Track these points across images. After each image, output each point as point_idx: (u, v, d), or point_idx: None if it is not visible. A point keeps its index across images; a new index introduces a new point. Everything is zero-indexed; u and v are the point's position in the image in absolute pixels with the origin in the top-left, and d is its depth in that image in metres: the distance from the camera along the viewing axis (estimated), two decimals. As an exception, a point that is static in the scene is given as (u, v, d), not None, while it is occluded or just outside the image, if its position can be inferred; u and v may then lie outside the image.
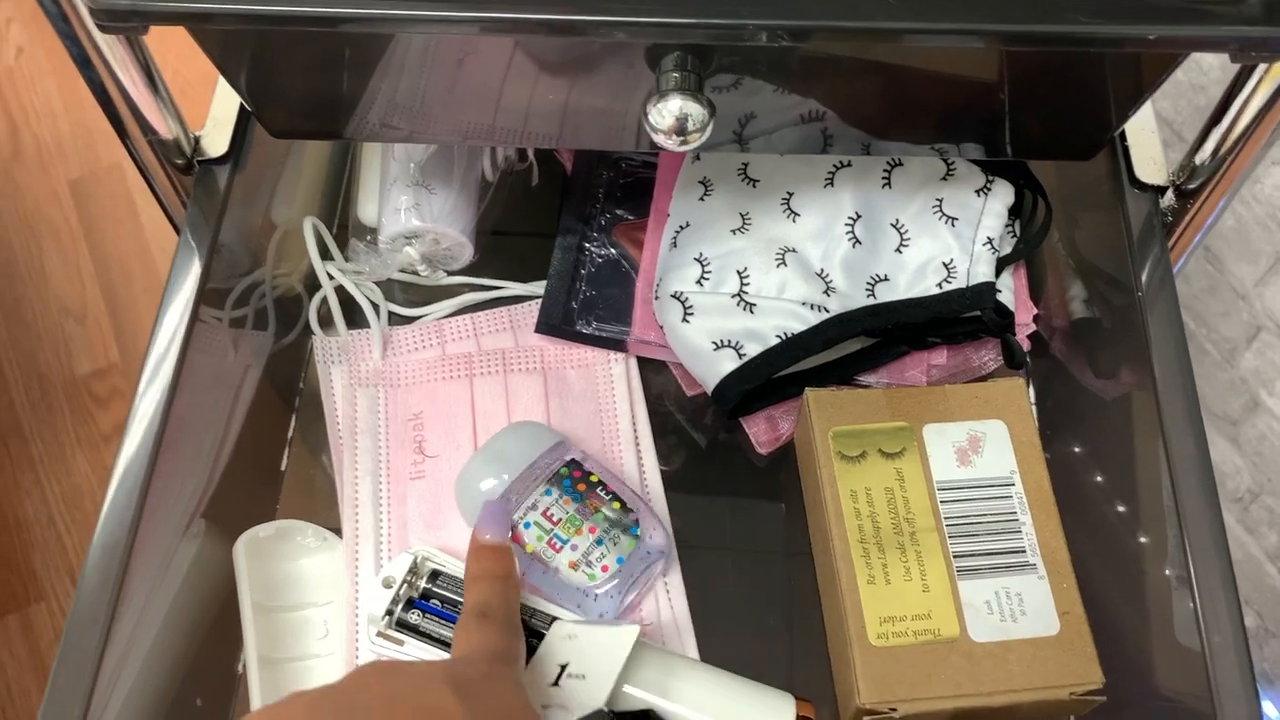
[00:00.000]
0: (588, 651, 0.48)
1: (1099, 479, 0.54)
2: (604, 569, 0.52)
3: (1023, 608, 0.50)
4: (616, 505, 0.54)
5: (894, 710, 0.48)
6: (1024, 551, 0.51)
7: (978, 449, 0.53)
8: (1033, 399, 0.60)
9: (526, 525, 0.53)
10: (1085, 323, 0.59)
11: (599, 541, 0.53)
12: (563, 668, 0.47)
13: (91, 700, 0.45)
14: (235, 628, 0.54)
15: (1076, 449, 0.56)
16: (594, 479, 0.54)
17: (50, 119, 1.49)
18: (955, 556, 0.51)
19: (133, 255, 1.40)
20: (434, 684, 0.37)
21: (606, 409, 0.60)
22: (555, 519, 0.53)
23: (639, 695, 0.48)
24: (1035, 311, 0.58)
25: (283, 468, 0.60)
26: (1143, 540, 0.50)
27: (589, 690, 0.46)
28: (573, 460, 0.55)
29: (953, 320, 0.58)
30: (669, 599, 0.55)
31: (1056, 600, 0.50)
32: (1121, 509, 0.52)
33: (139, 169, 0.54)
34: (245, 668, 0.53)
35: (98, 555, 0.47)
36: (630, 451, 0.59)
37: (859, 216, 0.57)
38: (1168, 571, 0.48)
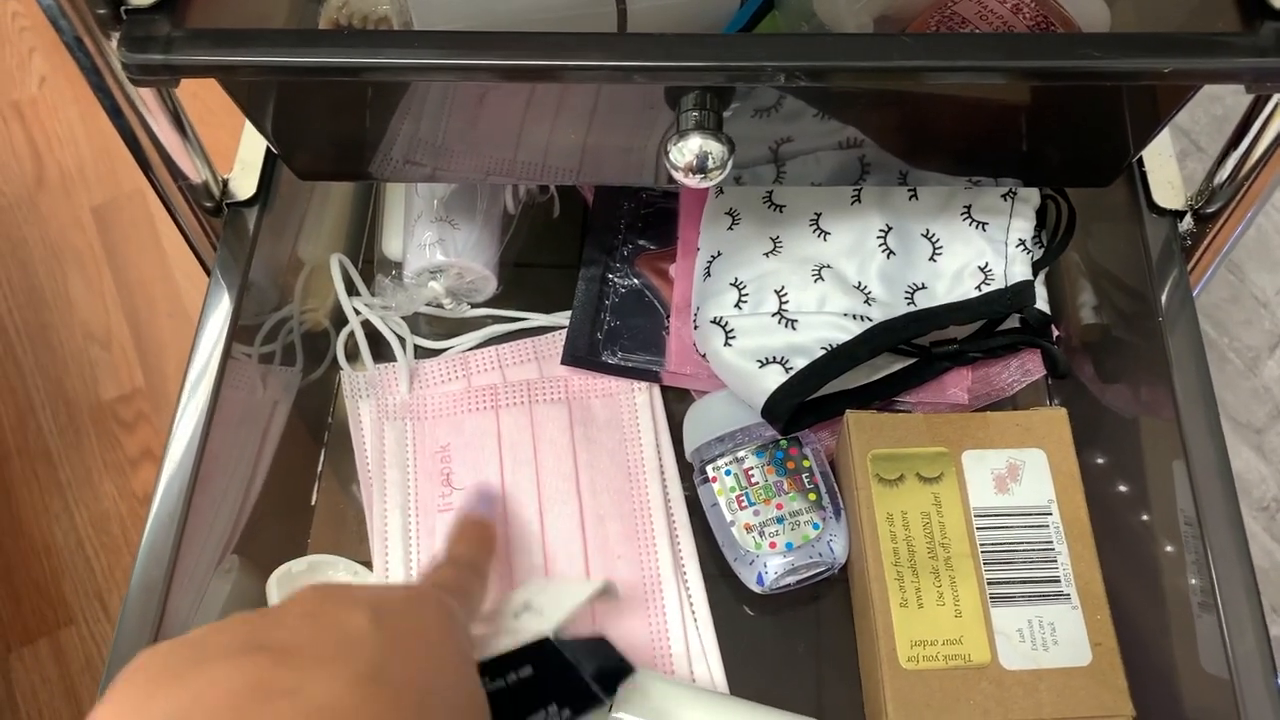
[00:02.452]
0: (552, 593, 0.49)
1: (1122, 503, 0.55)
2: (771, 545, 0.54)
3: (1055, 637, 0.50)
4: (812, 497, 0.55)
5: (923, 737, 0.49)
6: (1058, 581, 0.52)
7: (1016, 477, 0.54)
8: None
9: (726, 473, 0.56)
10: (1105, 344, 0.59)
11: (779, 520, 0.55)
12: (526, 604, 0.48)
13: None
14: (270, 663, 0.54)
15: (1100, 469, 0.56)
16: (806, 464, 0.56)
17: (73, 146, 1.51)
18: (989, 583, 0.52)
19: (156, 280, 1.42)
20: (358, 606, 0.37)
21: (631, 438, 0.61)
22: (753, 480, 0.55)
23: None
24: (1057, 333, 0.59)
25: (313, 502, 0.61)
26: (1164, 563, 0.50)
27: (540, 623, 0.47)
28: (799, 441, 0.57)
29: (992, 331, 0.58)
30: (696, 625, 0.56)
31: (1090, 631, 0.50)
32: (1143, 533, 0.53)
33: (169, 212, 0.55)
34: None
35: (136, 594, 0.48)
36: (655, 480, 0.59)
37: (890, 229, 0.57)
38: (1193, 598, 0.48)
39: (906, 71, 0.42)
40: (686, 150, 0.46)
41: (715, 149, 0.46)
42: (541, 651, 0.46)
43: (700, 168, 0.46)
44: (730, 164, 0.46)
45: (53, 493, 1.28)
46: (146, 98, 0.49)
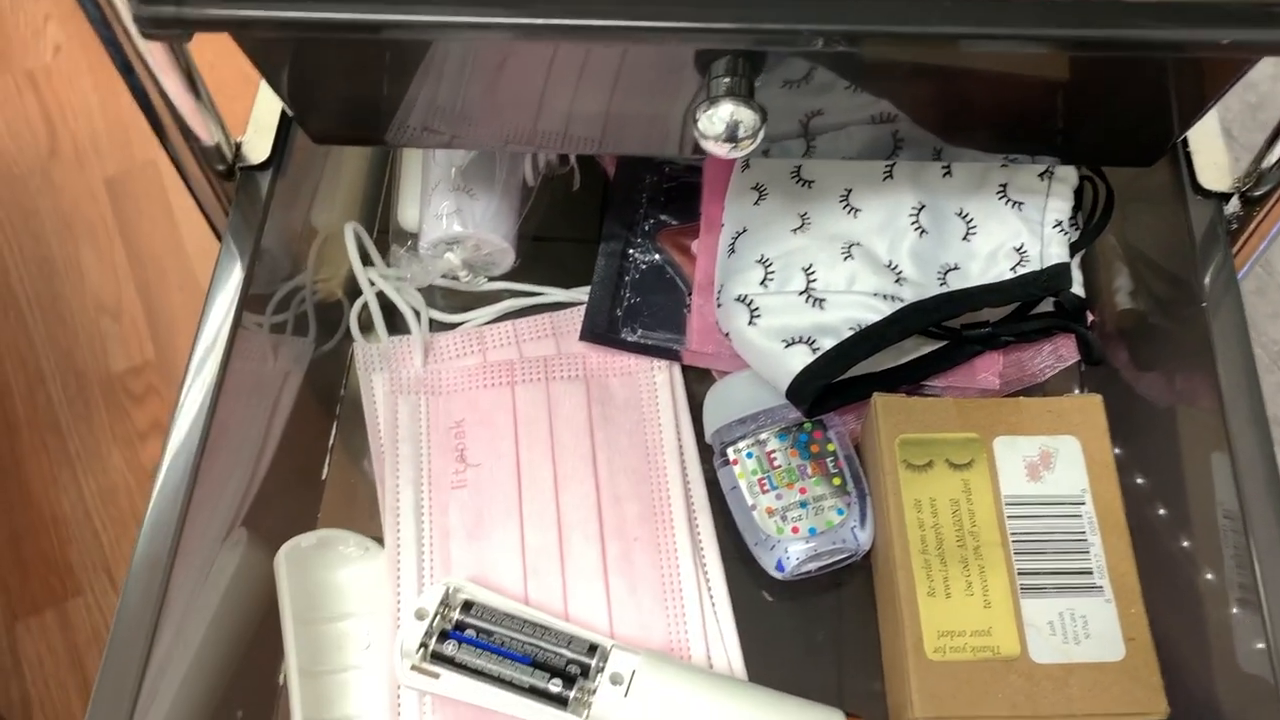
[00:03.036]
0: None
1: (1154, 494, 0.53)
2: (794, 530, 0.53)
3: (1087, 630, 0.49)
4: (836, 482, 0.54)
5: (948, 729, 0.47)
6: (1091, 573, 0.50)
7: (1049, 465, 0.52)
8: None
9: (748, 455, 0.54)
10: (1142, 331, 0.57)
11: (803, 504, 0.53)
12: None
13: (136, 706, 0.45)
14: (276, 638, 0.53)
15: (1133, 460, 0.54)
16: (831, 448, 0.55)
17: (86, 116, 1.50)
18: (1020, 573, 0.50)
19: (167, 253, 1.41)
20: None
21: (650, 418, 0.59)
22: (775, 464, 0.54)
23: (677, 718, 0.47)
24: (1091, 318, 0.57)
25: (324, 476, 0.60)
26: (1200, 558, 0.49)
27: None
28: (823, 424, 0.55)
29: (1025, 314, 0.56)
30: (714, 610, 0.54)
31: (1123, 625, 0.49)
32: (1177, 526, 0.51)
33: (180, 175, 0.54)
34: (286, 680, 0.53)
35: (141, 566, 0.47)
36: (675, 461, 0.58)
37: (923, 206, 0.55)
38: (1231, 594, 0.46)
39: (946, 38, 0.40)
40: (717, 118, 0.44)
41: (747, 117, 0.44)
42: None
43: (731, 137, 0.44)
44: (762, 134, 0.45)
45: (61, 464, 1.28)
46: (158, 55, 0.48)
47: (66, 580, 1.20)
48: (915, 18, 0.40)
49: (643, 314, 0.62)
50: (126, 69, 0.48)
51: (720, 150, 0.45)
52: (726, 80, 0.44)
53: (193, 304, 1.37)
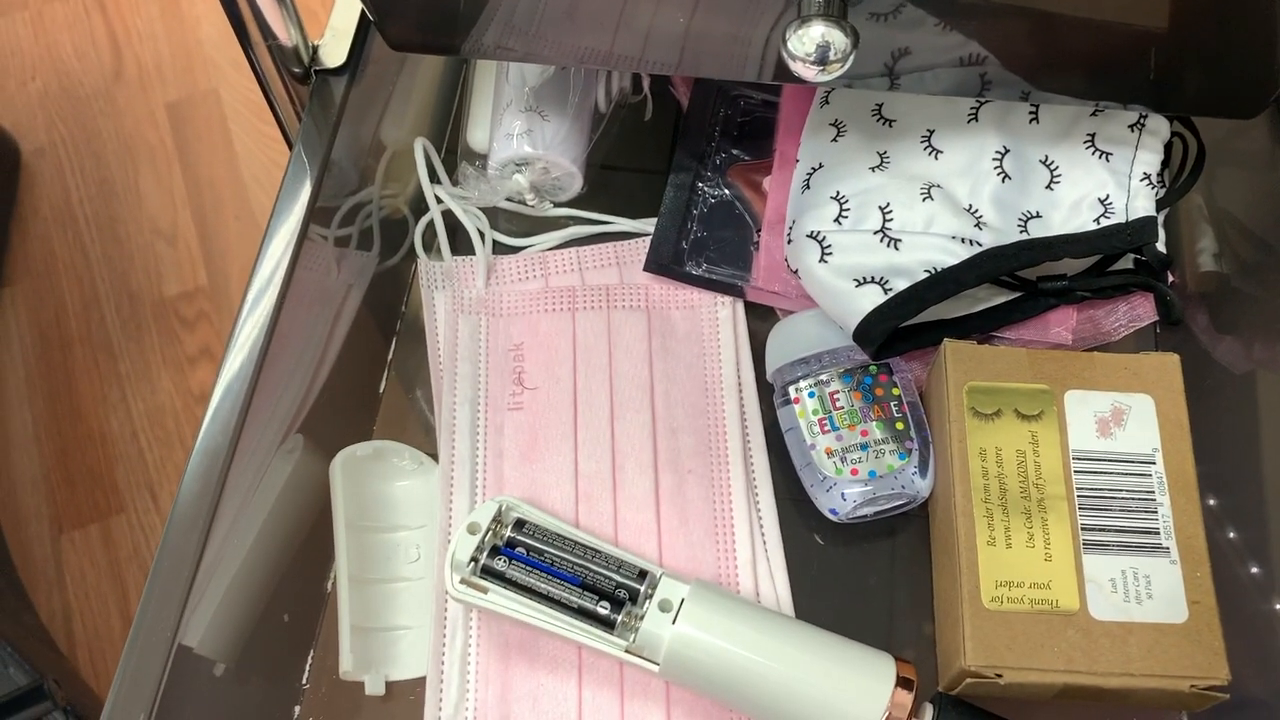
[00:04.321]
0: None
1: (1229, 458, 0.51)
2: (853, 472, 0.52)
3: (1149, 590, 0.47)
4: (900, 426, 0.53)
5: (999, 676, 0.46)
6: (1158, 533, 0.49)
7: (1120, 422, 0.51)
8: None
9: (810, 394, 0.54)
10: (1224, 294, 0.56)
11: (864, 446, 0.52)
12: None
13: (186, 605, 0.45)
14: (327, 545, 0.53)
15: (1205, 424, 0.52)
16: (895, 392, 0.54)
17: (151, 41, 1.50)
18: (1083, 529, 0.49)
19: (225, 181, 1.41)
20: None
21: (710, 353, 0.58)
22: (839, 404, 0.53)
23: (724, 647, 0.46)
24: (1172, 279, 0.55)
25: (380, 390, 0.59)
26: (1274, 525, 0.47)
27: None
28: (889, 368, 0.54)
29: (1104, 270, 0.55)
30: (765, 547, 0.54)
31: (1188, 588, 0.47)
32: (1252, 491, 0.49)
33: (256, 75, 0.53)
34: (334, 586, 0.53)
35: (199, 460, 0.47)
36: (733, 397, 0.57)
37: (1007, 151, 0.54)
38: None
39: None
40: (808, 38, 0.43)
41: (838, 39, 0.43)
42: None
43: (821, 59, 0.43)
44: (853, 58, 0.43)
45: (111, 383, 1.29)
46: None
47: (111, 497, 1.22)
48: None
49: (709, 248, 0.61)
50: (210, -40, 0.47)
51: (809, 73, 0.44)
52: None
53: (247, 234, 1.37)
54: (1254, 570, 0.48)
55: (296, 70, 0.53)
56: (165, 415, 1.27)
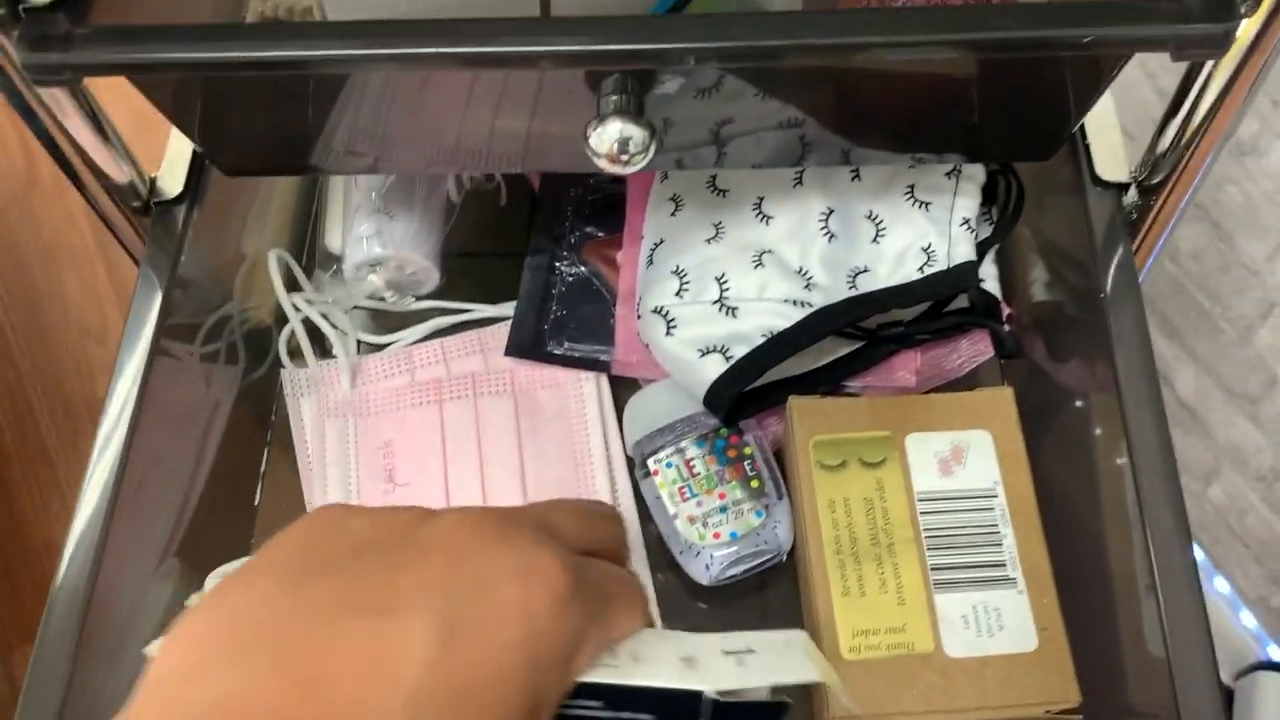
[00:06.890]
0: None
1: (1069, 484, 0.53)
2: (715, 536, 0.53)
3: (1000, 622, 0.49)
4: (754, 484, 0.54)
5: (865, 726, 0.48)
6: (1004, 565, 0.50)
7: (960, 459, 0.52)
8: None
9: (668, 465, 0.55)
10: (1056, 323, 0.58)
11: (723, 509, 0.54)
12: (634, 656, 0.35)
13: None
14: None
15: (1048, 452, 0.54)
16: (748, 452, 0.55)
17: (64, 145, 1.51)
18: (933, 569, 0.50)
19: (148, 276, 1.42)
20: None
21: (578, 429, 0.60)
22: (694, 471, 0.55)
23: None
24: (1009, 312, 0.57)
25: (256, 502, 0.60)
26: (1112, 545, 0.49)
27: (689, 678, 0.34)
28: (739, 428, 0.56)
29: (938, 313, 0.57)
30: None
31: (1035, 615, 0.49)
32: (1092, 514, 0.51)
33: (96, 213, 0.55)
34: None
35: (58, 607, 0.48)
36: (603, 471, 0.59)
37: (831, 211, 0.56)
38: (1136, 580, 0.46)
39: (813, 49, 0.41)
40: (605, 136, 0.45)
41: (636, 134, 0.45)
42: (681, 705, 0.34)
43: (621, 151, 0.45)
44: (653, 149, 0.45)
45: (51, 491, 1.29)
46: (60, 98, 0.49)
47: (61, 605, 1.22)
48: (780, 32, 0.41)
49: (570, 326, 0.62)
50: (28, 114, 0.49)
51: (614, 167, 0.46)
52: (614, 98, 0.45)
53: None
54: (1098, 589, 0.50)
55: (136, 204, 0.55)
56: (107, 518, 1.26)
